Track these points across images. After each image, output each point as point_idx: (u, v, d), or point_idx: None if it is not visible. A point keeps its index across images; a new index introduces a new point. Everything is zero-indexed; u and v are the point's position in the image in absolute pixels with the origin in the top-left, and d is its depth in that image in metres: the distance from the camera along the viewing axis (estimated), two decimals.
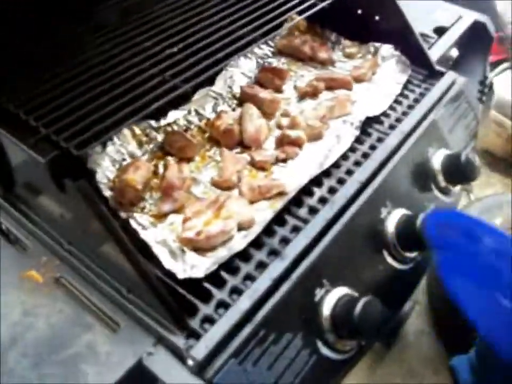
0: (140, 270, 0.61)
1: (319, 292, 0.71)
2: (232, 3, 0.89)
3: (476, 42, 1.24)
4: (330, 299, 0.71)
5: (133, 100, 0.67)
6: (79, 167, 0.74)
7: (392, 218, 0.82)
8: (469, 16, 1.26)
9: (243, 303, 0.64)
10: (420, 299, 1.87)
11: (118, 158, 0.83)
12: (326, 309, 0.70)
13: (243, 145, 0.89)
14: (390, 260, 0.82)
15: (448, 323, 1.76)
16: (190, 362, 0.59)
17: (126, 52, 0.74)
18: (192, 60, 0.73)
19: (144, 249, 0.69)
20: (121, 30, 0.79)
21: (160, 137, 0.88)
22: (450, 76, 1.04)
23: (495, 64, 2.26)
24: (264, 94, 0.95)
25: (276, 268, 0.68)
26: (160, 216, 0.77)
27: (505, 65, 2.28)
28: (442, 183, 0.94)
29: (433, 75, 1.05)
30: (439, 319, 1.82)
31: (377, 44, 1.07)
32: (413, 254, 0.84)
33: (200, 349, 0.60)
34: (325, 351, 0.70)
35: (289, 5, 0.90)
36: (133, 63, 0.73)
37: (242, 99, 0.96)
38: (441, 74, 1.04)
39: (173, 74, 0.71)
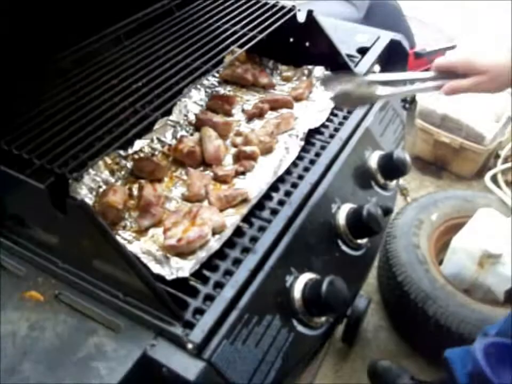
0: (141, 275, 0.69)
1: (289, 278, 0.82)
2: (181, 41, 1.01)
3: (394, 58, 1.40)
4: (299, 283, 0.82)
5: (112, 129, 0.77)
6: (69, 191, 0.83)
7: (342, 212, 0.95)
8: (386, 36, 1.43)
9: (227, 293, 0.74)
10: (374, 297, 2.01)
11: (94, 186, 0.92)
12: (297, 292, 0.81)
13: (205, 163, 1.00)
14: (344, 247, 0.95)
15: (402, 316, 1.91)
16: (190, 346, 0.68)
17: (98, 89, 0.84)
18: (157, 92, 0.84)
19: None
20: (88, 71, 0.89)
21: (129, 164, 0.98)
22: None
23: None
24: (217, 118, 1.06)
25: (251, 260, 0.79)
26: (141, 231, 0.86)
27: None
28: (381, 180, 1.08)
29: None
30: (393, 313, 1.97)
31: (310, 66, 1.22)
32: (363, 241, 0.97)
33: (197, 334, 0.69)
34: (300, 328, 0.81)
35: (232, 38, 1.02)
36: (105, 99, 0.82)
37: (198, 124, 1.07)
38: None
39: (142, 105, 0.82)
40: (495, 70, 0.88)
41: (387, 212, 1.07)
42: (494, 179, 2.45)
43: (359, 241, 0.97)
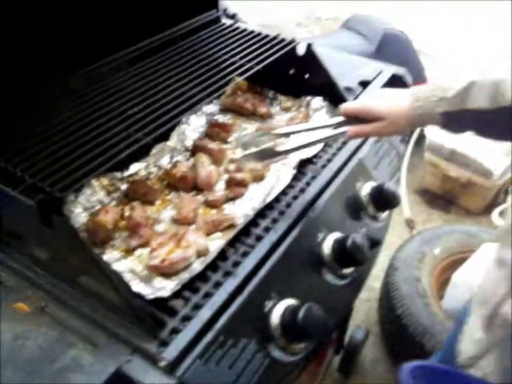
0: (120, 292, 0.72)
1: (268, 304, 0.84)
2: (182, 70, 1.05)
3: None
4: (278, 309, 0.84)
5: (104, 151, 0.81)
6: (60, 209, 0.86)
7: (328, 241, 0.97)
8: (388, 70, 1.46)
9: (204, 314, 0.77)
10: (373, 329, 2.01)
11: (88, 205, 0.96)
12: (275, 318, 0.83)
13: (197, 188, 1.03)
14: (329, 276, 0.96)
15: (400, 349, 1.90)
16: (163, 363, 0.71)
17: (95, 113, 0.89)
18: (151, 117, 0.88)
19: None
20: (89, 96, 0.94)
21: (124, 186, 1.02)
22: None
23: None
24: (212, 145, 1.10)
25: (230, 284, 0.81)
26: (129, 251, 0.89)
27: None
28: (371, 211, 1.10)
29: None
30: (392, 346, 1.96)
31: (308, 97, 1.25)
32: (349, 270, 0.99)
33: (170, 352, 0.71)
34: (276, 354, 0.83)
35: (230, 69, 1.06)
36: (101, 122, 0.87)
37: (194, 150, 1.11)
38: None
39: (136, 129, 0.86)
40: (393, 117, 0.94)
41: (375, 243, 1.09)
42: (503, 215, 2.44)
43: (345, 270, 0.98)
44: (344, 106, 0.98)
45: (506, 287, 0.94)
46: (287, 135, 0.98)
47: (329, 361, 1.69)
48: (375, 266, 2.04)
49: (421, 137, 2.63)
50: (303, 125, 1.03)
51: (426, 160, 2.60)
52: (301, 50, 1.23)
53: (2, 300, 0.82)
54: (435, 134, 2.52)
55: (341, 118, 0.98)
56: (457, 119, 0.93)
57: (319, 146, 1.13)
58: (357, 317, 2.02)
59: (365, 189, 1.11)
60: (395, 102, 0.96)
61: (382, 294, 1.97)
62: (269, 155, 0.96)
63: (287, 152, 0.96)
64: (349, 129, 0.96)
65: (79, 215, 0.94)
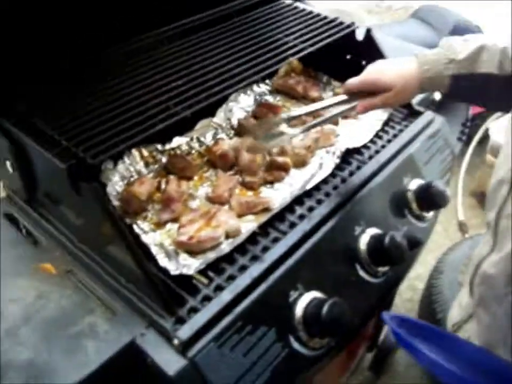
0: (140, 264, 0.72)
1: (293, 294, 0.81)
2: (233, 46, 1.02)
3: None
4: (303, 301, 0.81)
5: (141, 122, 0.80)
6: (93, 175, 0.86)
7: (365, 236, 0.93)
8: None
9: (225, 296, 0.75)
10: None
11: (126, 174, 0.96)
12: (299, 309, 0.80)
13: (236, 168, 1.01)
14: (362, 272, 0.92)
15: None
16: (176, 341, 0.70)
17: (138, 84, 0.88)
18: (193, 92, 0.86)
19: (144, 250, 0.80)
20: (136, 65, 0.93)
21: (164, 159, 1.01)
22: (428, 115, 1.16)
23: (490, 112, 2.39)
24: None
25: (256, 269, 0.79)
26: (160, 224, 0.88)
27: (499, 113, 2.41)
28: (416, 209, 1.05)
29: (412, 114, 1.17)
30: None
31: None
32: (384, 269, 0.94)
33: (185, 331, 0.70)
34: (296, 346, 0.80)
35: (281, 49, 1.03)
36: (142, 93, 0.86)
37: (239, 130, 1.09)
38: (420, 113, 1.16)
39: (176, 103, 0.84)
40: (399, 86, 0.92)
41: (416, 244, 1.03)
42: None
43: (380, 268, 0.94)
44: (346, 83, 0.96)
45: (488, 247, 0.94)
46: (294, 118, 0.97)
47: (360, 358, 1.66)
48: (422, 267, 1.98)
49: (484, 137, 2.50)
50: (311, 106, 1.00)
51: (487, 162, 2.47)
52: (359, 35, 1.18)
53: (32, 258, 0.83)
54: (499, 136, 2.38)
55: (344, 97, 0.96)
56: (466, 84, 0.92)
57: (368, 136, 1.08)
58: None
59: (412, 186, 1.05)
60: (399, 70, 0.94)
61: (423, 296, 1.89)
62: (275, 137, 0.94)
63: (294, 134, 0.95)
64: (358, 103, 0.94)
65: (116, 183, 0.94)
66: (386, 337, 1.74)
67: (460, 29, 2.27)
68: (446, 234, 2.42)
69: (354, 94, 0.95)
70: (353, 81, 0.95)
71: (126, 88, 0.87)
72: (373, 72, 0.95)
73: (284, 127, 0.94)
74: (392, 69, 0.94)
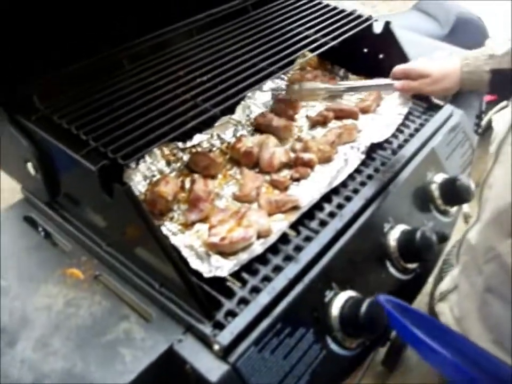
0: (178, 268, 0.69)
1: (328, 294, 0.79)
2: (252, 41, 1.00)
3: None
4: (338, 300, 0.79)
5: (170, 120, 0.77)
6: (122, 176, 0.84)
7: (395, 233, 0.91)
8: None
9: (263, 299, 0.73)
10: None
11: (148, 174, 0.94)
12: (335, 309, 0.78)
13: (260, 167, 0.98)
14: (392, 269, 0.90)
15: None
16: (216, 347, 0.67)
17: (162, 79, 0.85)
18: (220, 88, 0.84)
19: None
20: (156, 61, 0.90)
21: (186, 157, 0.98)
22: (447, 108, 1.15)
23: (493, 103, 2.38)
24: (278, 121, 1.05)
25: (291, 269, 0.77)
26: (187, 225, 0.86)
27: (503, 103, 2.40)
28: (440, 204, 1.03)
29: (432, 108, 1.15)
30: None
31: (381, 79, 1.18)
32: (413, 266, 0.93)
33: (225, 336, 0.68)
34: (333, 346, 0.78)
35: (303, 42, 1.00)
36: (168, 89, 0.83)
37: (258, 126, 1.06)
38: (439, 107, 1.15)
39: (203, 99, 0.82)
40: (437, 74, 1.02)
41: (443, 238, 1.02)
42: None
43: (409, 265, 0.92)
44: (394, 68, 1.08)
45: (475, 218, 0.95)
46: (338, 91, 1.14)
47: (374, 353, 1.64)
48: None
49: (488, 128, 2.50)
50: (354, 82, 1.18)
51: (491, 153, 2.46)
52: (377, 28, 1.16)
53: (56, 263, 0.81)
54: (502, 127, 2.38)
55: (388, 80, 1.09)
56: (506, 79, 0.96)
57: (390, 131, 1.06)
58: None
59: (435, 181, 1.03)
60: (442, 62, 1.04)
61: (433, 290, 1.88)
62: (312, 92, 1.11)
63: (330, 89, 1.12)
64: (395, 83, 1.06)
65: (139, 183, 0.92)
66: None
67: (462, 21, 2.25)
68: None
69: (398, 79, 1.07)
70: (400, 66, 1.07)
71: (150, 85, 0.84)
72: (417, 62, 1.07)
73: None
74: (435, 61, 1.04)
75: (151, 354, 0.68)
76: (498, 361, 0.78)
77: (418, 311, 0.97)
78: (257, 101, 1.14)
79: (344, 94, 1.16)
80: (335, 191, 0.92)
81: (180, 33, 1.02)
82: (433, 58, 1.08)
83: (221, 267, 0.77)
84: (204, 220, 0.86)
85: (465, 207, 2.52)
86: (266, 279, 0.77)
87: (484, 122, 2.53)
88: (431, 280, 1.93)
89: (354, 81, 1.20)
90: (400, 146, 1.04)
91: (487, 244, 0.88)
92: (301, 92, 1.12)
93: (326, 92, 1.14)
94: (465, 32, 2.33)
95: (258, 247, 0.81)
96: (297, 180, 0.95)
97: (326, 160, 0.99)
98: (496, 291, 0.87)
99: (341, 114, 1.11)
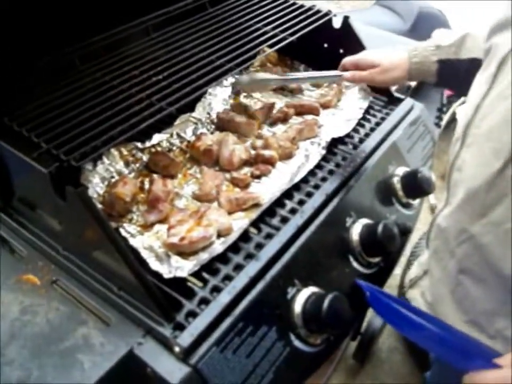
0: (134, 270, 0.68)
1: (291, 290, 0.79)
2: (210, 38, 0.99)
3: None
4: (301, 297, 0.79)
5: (125, 120, 0.75)
6: (76, 178, 0.82)
7: (357, 227, 0.91)
8: None
9: (223, 298, 0.72)
10: None
11: (107, 175, 0.92)
12: (298, 306, 0.78)
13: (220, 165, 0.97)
14: (355, 264, 0.91)
15: None
16: (177, 349, 0.66)
17: (116, 79, 0.83)
18: (175, 86, 0.82)
19: (134, 254, 0.76)
20: (111, 60, 0.89)
21: (145, 157, 0.97)
22: (408, 102, 1.16)
23: (455, 96, 2.42)
24: (240, 118, 1.04)
25: (252, 267, 0.76)
26: (147, 226, 0.84)
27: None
28: (402, 197, 1.04)
29: (392, 101, 1.16)
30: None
31: None
32: (376, 259, 0.93)
33: (185, 338, 0.67)
34: (297, 343, 0.78)
35: (261, 39, 1.00)
36: (122, 89, 0.81)
37: (220, 123, 1.05)
38: (400, 100, 1.16)
39: (158, 98, 0.80)
40: (386, 64, 1.05)
41: (405, 231, 1.03)
42: None
43: (372, 259, 0.93)
44: (343, 60, 1.10)
45: (443, 202, 0.96)
46: (285, 81, 1.13)
47: (345, 348, 1.65)
48: None
49: (451, 121, 2.54)
50: (304, 73, 1.21)
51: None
52: (336, 23, 1.16)
53: (12, 270, 0.78)
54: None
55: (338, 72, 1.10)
56: (452, 70, 0.99)
57: (351, 125, 1.07)
58: None
59: (397, 174, 1.04)
60: (391, 52, 1.07)
61: (401, 282, 1.90)
62: (261, 83, 1.10)
63: (278, 80, 1.12)
64: (345, 73, 1.08)
65: (97, 185, 0.89)
66: (369, 324, 1.74)
67: (424, 15, 2.29)
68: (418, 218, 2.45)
69: (347, 70, 1.09)
70: (347, 57, 1.09)
71: (104, 84, 0.82)
72: (366, 52, 1.10)
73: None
74: (383, 52, 1.06)
75: (111, 359, 0.66)
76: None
77: (394, 296, 0.97)
78: (218, 97, 1.13)
79: (291, 83, 1.18)
80: (296, 187, 0.92)
81: (136, 31, 1.00)
82: (381, 50, 1.09)
83: (181, 267, 0.76)
84: (163, 220, 0.84)
85: (432, 199, 2.56)
86: (227, 278, 0.76)
87: (448, 115, 2.58)
88: (398, 272, 1.96)
89: (304, 72, 1.22)
90: (361, 141, 1.05)
91: (459, 226, 0.89)
92: (249, 83, 1.11)
93: (275, 82, 1.14)
94: (427, 26, 2.36)
95: (218, 246, 0.80)
96: (258, 177, 0.95)
97: (287, 156, 0.99)
98: (470, 272, 0.88)
99: (301, 110, 1.11)
